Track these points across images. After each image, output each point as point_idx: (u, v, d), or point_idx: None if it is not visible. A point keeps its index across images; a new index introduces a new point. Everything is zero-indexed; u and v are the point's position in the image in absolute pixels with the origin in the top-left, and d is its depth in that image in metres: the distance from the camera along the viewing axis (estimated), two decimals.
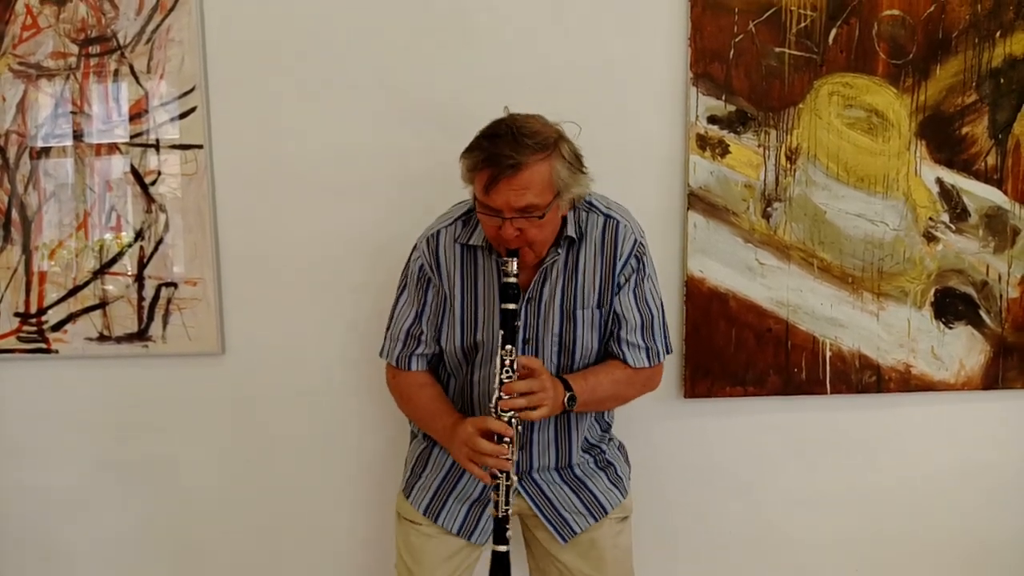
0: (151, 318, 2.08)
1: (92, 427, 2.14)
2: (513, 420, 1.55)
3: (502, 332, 1.57)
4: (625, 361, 1.72)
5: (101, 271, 2.07)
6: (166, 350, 2.09)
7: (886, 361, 2.12)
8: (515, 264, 1.56)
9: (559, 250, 1.66)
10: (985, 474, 2.20)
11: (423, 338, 1.74)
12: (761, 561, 2.22)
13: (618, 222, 1.70)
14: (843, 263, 2.09)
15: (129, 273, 2.07)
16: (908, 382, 2.13)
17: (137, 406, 2.13)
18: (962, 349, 2.13)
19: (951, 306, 2.11)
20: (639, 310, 1.71)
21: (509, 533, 1.59)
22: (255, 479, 2.17)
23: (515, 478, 1.58)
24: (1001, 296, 2.12)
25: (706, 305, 2.08)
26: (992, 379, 2.14)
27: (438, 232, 1.71)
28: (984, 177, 2.08)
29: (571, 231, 1.66)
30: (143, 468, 2.16)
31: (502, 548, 1.58)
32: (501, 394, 1.55)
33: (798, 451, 2.18)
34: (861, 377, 2.12)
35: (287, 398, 2.13)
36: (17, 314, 2.08)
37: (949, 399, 2.16)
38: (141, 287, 2.07)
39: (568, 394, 1.62)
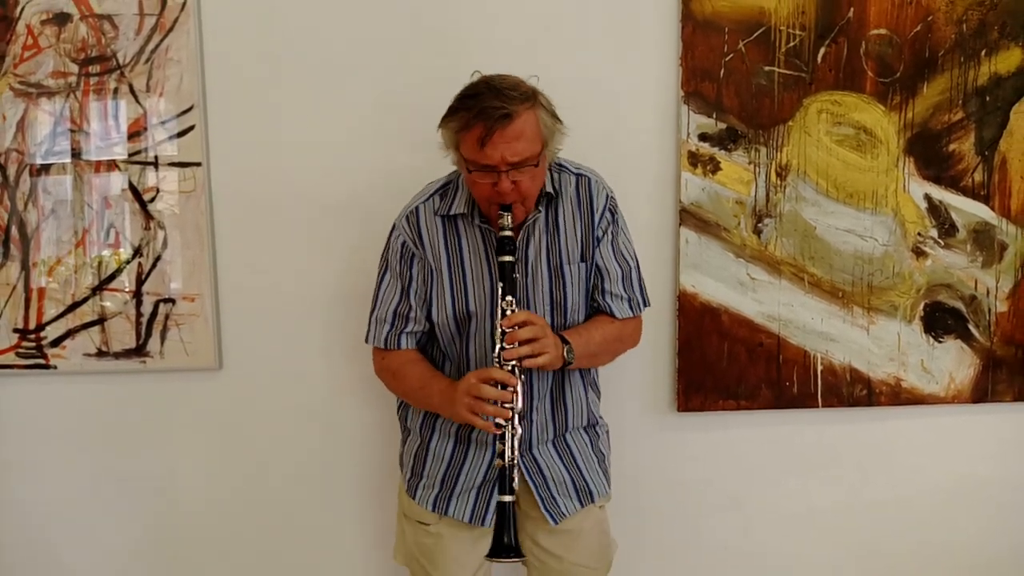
0: (149, 334, 2.09)
1: (90, 442, 2.15)
2: (516, 369, 1.55)
3: (501, 284, 1.59)
4: (611, 313, 1.75)
5: (99, 287, 2.08)
6: (164, 366, 2.10)
7: (877, 375, 2.14)
8: (510, 218, 1.59)
9: (539, 208, 1.69)
10: (975, 487, 2.22)
11: (412, 315, 1.74)
12: (753, 574, 2.23)
13: (590, 179, 1.75)
14: (833, 278, 2.11)
15: (127, 289, 2.08)
16: (899, 395, 2.15)
17: (135, 421, 2.15)
18: (952, 363, 2.15)
19: (940, 320, 2.14)
20: (618, 262, 1.76)
21: (515, 484, 1.55)
22: (252, 494, 2.17)
23: (519, 428, 1.56)
24: (989, 310, 2.14)
25: (698, 320, 2.10)
26: (981, 392, 2.16)
27: (417, 208, 1.74)
28: (971, 193, 2.11)
29: (548, 188, 1.69)
30: (141, 483, 2.17)
31: (507, 498, 1.54)
32: (504, 344, 1.55)
33: (790, 464, 2.20)
34: (852, 391, 2.14)
35: (284, 413, 2.14)
36: (16, 330, 2.10)
37: (939, 412, 2.18)
38: (139, 303, 2.09)
39: (566, 346, 1.63)
